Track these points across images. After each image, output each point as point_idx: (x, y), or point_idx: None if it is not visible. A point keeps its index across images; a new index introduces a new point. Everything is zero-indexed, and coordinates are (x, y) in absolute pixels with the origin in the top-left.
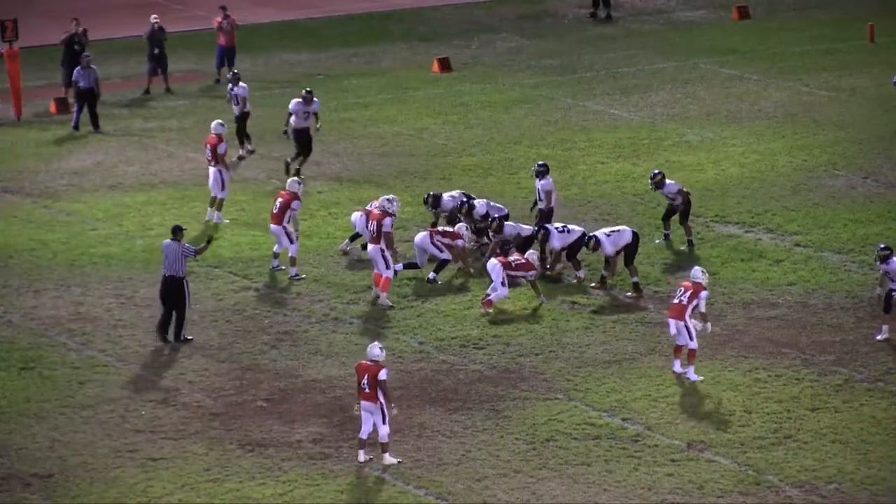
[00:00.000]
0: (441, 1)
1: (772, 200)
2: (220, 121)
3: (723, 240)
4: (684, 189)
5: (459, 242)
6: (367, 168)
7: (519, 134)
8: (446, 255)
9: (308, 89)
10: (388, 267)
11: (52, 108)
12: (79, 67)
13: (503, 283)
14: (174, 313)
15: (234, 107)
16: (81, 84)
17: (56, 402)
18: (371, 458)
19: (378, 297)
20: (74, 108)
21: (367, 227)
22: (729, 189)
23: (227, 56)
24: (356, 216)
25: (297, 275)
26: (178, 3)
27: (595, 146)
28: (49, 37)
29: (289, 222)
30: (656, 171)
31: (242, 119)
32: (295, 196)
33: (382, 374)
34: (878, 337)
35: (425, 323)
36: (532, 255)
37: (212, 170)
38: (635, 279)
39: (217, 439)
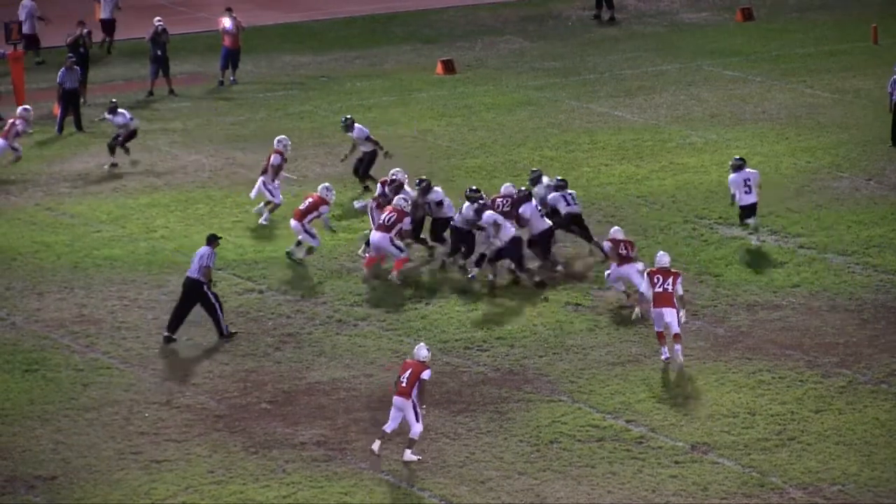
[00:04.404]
0: (444, 3)
1: (776, 202)
2: (280, 137)
3: (727, 242)
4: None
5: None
6: (371, 170)
7: (523, 136)
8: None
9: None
10: (401, 251)
11: (56, 110)
12: (63, 69)
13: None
14: (208, 315)
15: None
16: (66, 85)
17: (60, 405)
18: (380, 455)
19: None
20: (59, 111)
21: (378, 216)
22: None
23: (231, 58)
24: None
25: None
26: (181, 4)
27: (599, 148)
28: (53, 39)
29: (310, 222)
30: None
31: (128, 138)
32: (323, 201)
33: (426, 374)
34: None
35: (429, 325)
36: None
37: (261, 178)
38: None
39: (221, 441)
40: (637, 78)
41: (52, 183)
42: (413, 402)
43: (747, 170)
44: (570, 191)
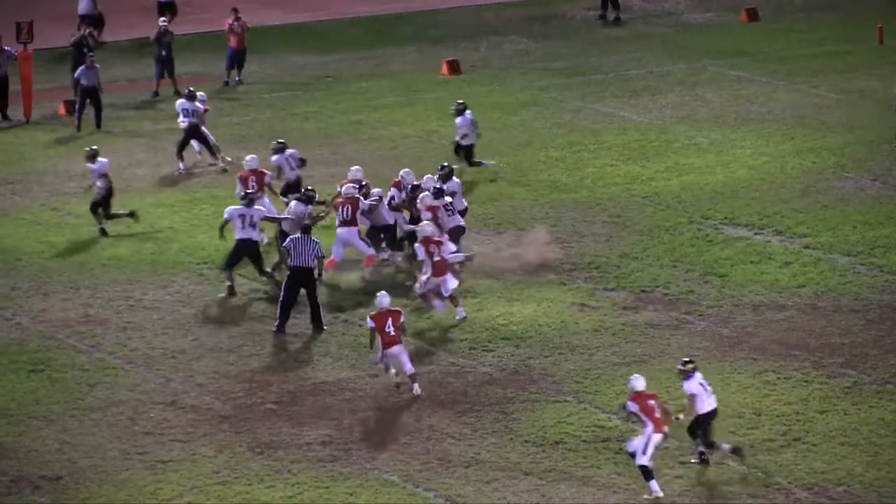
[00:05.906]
0: (450, 4)
1: (781, 203)
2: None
3: (732, 242)
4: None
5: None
6: (377, 170)
7: (528, 136)
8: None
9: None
10: (369, 245)
11: (61, 110)
12: (83, 67)
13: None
14: (309, 302)
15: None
16: (84, 83)
17: (65, 405)
18: (402, 383)
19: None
20: (76, 109)
21: (340, 211)
22: (738, 191)
23: (237, 58)
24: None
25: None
26: (186, 5)
27: (604, 148)
28: (57, 39)
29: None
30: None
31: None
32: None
33: (402, 319)
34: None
35: (434, 325)
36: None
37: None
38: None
39: (226, 442)
40: (642, 78)
41: (58, 182)
42: (402, 344)
43: (468, 112)
44: (291, 151)
